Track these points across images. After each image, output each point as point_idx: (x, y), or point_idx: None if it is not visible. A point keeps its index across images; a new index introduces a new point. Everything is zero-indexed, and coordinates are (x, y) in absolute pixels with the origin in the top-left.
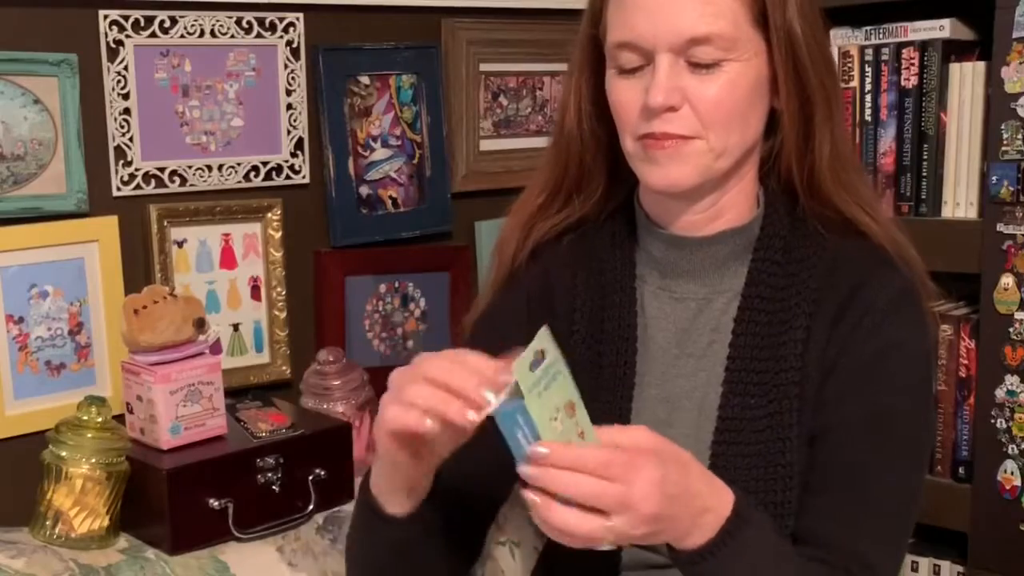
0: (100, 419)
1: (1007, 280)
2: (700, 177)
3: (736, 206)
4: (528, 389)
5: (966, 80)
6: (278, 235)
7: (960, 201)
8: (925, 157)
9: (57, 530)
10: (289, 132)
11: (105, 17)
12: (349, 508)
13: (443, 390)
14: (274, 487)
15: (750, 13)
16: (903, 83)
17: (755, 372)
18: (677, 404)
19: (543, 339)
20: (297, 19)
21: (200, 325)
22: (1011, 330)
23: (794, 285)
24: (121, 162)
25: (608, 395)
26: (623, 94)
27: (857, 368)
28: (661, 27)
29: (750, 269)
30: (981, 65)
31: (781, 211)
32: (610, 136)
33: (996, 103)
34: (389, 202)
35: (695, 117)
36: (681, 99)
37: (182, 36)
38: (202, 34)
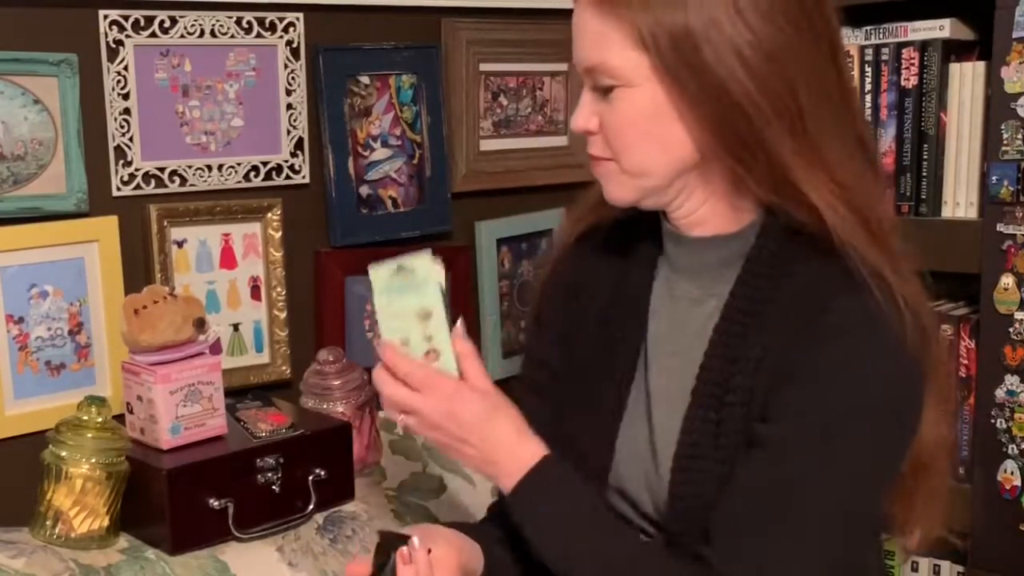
0: (100, 419)
1: (1007, 280)
2: (635, 195)
3: (718, 216)
4: (379, 291)
5: (966, 80)
6: (278, 235)
7: (960, 201)
8: (925, 157)
9: (57, 530)
10: (289, 132)
11: (105, 17)
12: (349, 508)
13: None
14: (274, 487)
15: (630, 40)
16: (903, 83)
17: (715, 385)
18: (654, 400)
19: (416, 258)
20: (297, 19)
21: (200, 325)
22: (1011, 330)
23: (769, 302)
24: (121, 162)
25: (611, 375)
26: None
27: (803, 385)
28: (576, 56)
29: (736, 280)
30: (981, 65)
31: (778, 225)
32: None
33: (996, 103)
34: (389, 202)
35: (607, 141)
36: (597, 124)
37: (182, 36)
38: (202, 34)
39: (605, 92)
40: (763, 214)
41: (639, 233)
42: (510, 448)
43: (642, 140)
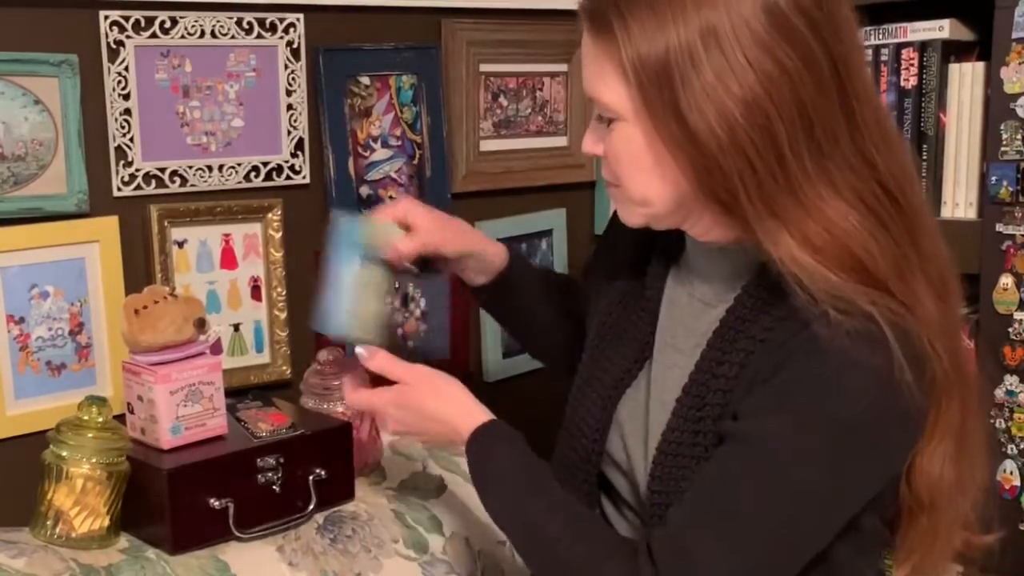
0: (101, 419)
1: (1006, 280)
2: (642, 220)
3: (732, 232)
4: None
5: (965, 80)
6: (278, 235)
7: (959, 201)
8: (925, 157)
9: (58, 530)
10: (289, 132)
11: (106, 18)
12: (349, 508)
13: None
14: (274, 487)
15: (618, 72)
16: (903, 83)
17: (701, 385)
18: (653, 392)
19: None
20: (297, 20)
21: (201, 325)
22: (1010, 330)
23: (768, 312)
24: (122, 162)
25: (621, 354)
26: None
27: (776, 389)
28: (583, 82)
29: (741, 290)
30: (981, 65)
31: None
32: None
33: (996, 103)
34: (389, 202)
35: (611, 167)
36: (602, 149)
37: (183, 36)
38: (202, 35)
39: (607, 121)
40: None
41: (665, 233)
42: (465, 412)
43: (639, 173)
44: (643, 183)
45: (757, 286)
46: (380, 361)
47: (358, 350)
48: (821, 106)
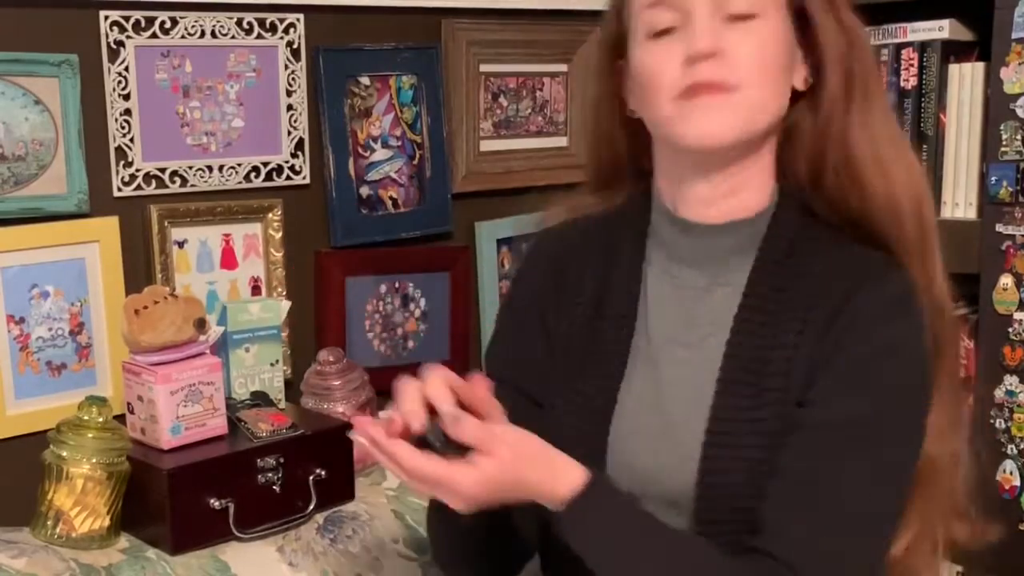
0: (101, 419)
1: (1006, 280)
2: (741, 130)
3: (750, 188)
4: None
5: (965, 80)
6: (279, 235)
7: (959, 201)
8: (924, 157)
9: (58, 530)
10: (289, 133)
11: (106, 18)
12: (349, 508)
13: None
14: (274, 487)
15: None
16: (902, 83)
17: (748, 372)
18: (667, 391)
19: None
20: (297, 20)
21: (201, 325)
22: (1010, 330)
23: (793, 288)
24: (122, 163)
25: (599, 370)
26: (657, 55)
27: (846, 370)
28: None
29: (754, 267)
30: (980, 66)
31: (792, 211)
32: (626, 134)
33: (995, 103)
34: (389, 202)
35: (737, 67)
36: (722, 49)
37: (183, 37)
38: (203, 35)
39: (742, 19)
40: (776, 203)
41: (618, 231)
42: (549, 479)
43: (776, 73)
44: (773, 85)
45: (772, 260)
46: (472, 429)
47: (446, 409)
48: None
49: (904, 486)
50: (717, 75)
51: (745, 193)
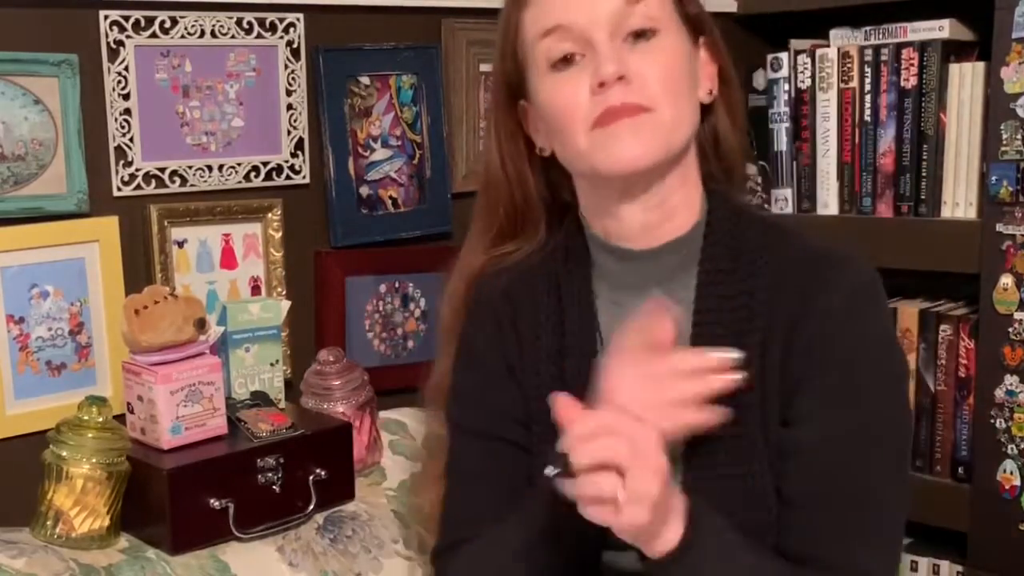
0: (101, 419)
1: (1006, 280)
2: (661, 152)
3: (685, 205)
4: None
5: (965, 80)
6: (278, 235)
7: (959, 201)
8: (924, 157)
9: (58, 530)
10: (289, 132)
11: (106, 17)
12: (349, 508)
13: None
14: (274, 487)
15: None
16: (903, 83)
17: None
18: None
19: None
20: (297, 19)
21: (201, 325)
22: (1010, 330)
23: (745, 293)
24: (122, 162)
25: None
26: (563, 88)
27: (831, 382)
28: (594, 3)
29: (698, 281)
30: (980, 65)
31: (724, 214)
32: (537, 172)
33: (995, 103)
34: (389, 202)
35: (645, 89)
36: (629, 73)
37: (183, 36)
38: (202, 34)
39: (644, 37)
40: (706, 212)
41: (560, 269)
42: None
43: (684, 87)
44: (683, 100)
45: (715, 271)
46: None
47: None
48: None
49: (908, 470)
50: (630, 97)
51: (682, 211)
